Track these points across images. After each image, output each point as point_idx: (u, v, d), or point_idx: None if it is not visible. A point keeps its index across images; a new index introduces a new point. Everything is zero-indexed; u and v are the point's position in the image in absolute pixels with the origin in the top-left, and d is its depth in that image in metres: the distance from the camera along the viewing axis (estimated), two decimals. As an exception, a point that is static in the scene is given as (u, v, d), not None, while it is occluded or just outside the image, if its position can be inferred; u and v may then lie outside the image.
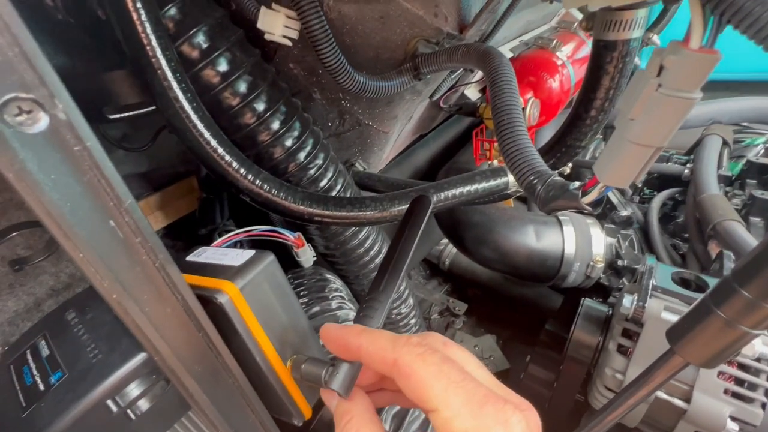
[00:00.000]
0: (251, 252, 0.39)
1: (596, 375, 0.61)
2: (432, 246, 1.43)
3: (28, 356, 0.38)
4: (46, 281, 0.63)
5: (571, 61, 0.89)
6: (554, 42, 0.86)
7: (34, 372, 0.36)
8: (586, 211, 0.30)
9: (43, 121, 0.18)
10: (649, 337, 0.54)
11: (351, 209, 0.46)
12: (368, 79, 0.51)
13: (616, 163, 0.26)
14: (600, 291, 0.91)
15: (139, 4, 0.35)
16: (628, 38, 0.36)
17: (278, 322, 0.38)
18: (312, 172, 0.53)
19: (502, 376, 1.15)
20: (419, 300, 1.28)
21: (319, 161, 0.54)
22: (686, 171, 1.08)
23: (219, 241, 0.47)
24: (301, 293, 0.58)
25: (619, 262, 0.84)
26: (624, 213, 0.90)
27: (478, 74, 0.84)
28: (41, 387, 0.34)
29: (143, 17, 0.35)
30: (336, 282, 0.63)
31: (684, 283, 0.60)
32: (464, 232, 0.90)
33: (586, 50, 0.97)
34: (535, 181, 0.32)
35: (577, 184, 0.31)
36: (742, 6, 0.19)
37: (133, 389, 0.34)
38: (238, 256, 0.38)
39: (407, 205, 0.46)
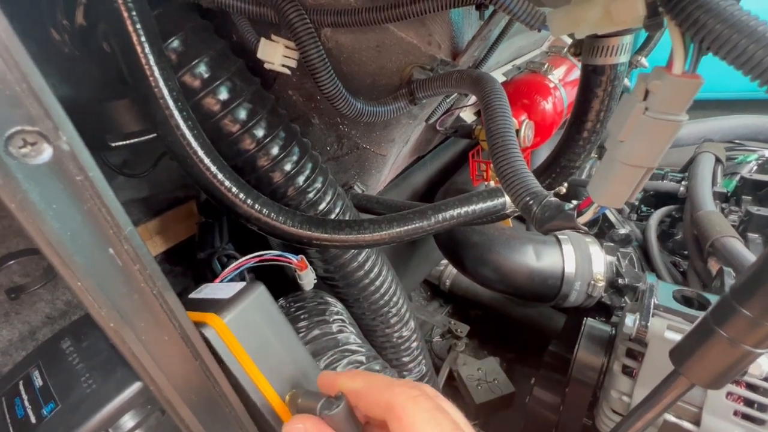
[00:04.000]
0: (242, 284, 0.38)
1: (602, 398, 0.60)
2: (432, 267, 1.42)
3: (21, 387, 0.37)
4: (41, 309, 0.63)
5: (563, 83, 0.91)
6: (546, 66, 0.88)
7: (26, 404, 0.36)
8: (582, 231, 0.30)
9: (46, 153, 0.19)
10: (653, 357, 0.53)
11: (350, 232, 0.46)
12: (365, 104, 0.52)
13: (609, 183, 0.27)
14: (602, 310, 0.90)
15: (143, 38, 0.36)
16: (616, 63, 0.38)
17: (272, 355, 0.36)
18: (311, 195, 0.54)
19: (507, 400, 1.12)
20: (420, 322, 1.26)
21: (318, 185, 0.55)
22: (681, 188, 1.09)
23: (226, 271, 0.46)
24: (302, 316, 0.58)
25: (620, 281, 0.83)
26: (622, 231, 0.90)
27: (473, 97, 0.87)
28: (33, 420, 0.33)
29: (147, 50, 0.36)
30: (336, 305, 0.62)
31: (686, 301, 0.60)
32: (464, 252, 0.89)
33: (577, 73, 1.00)
34: (531, 202, 0.32)
35: (572, 204, 0.31)
36: (719, 34, 0.20)
37: (128, 421, 0.33)
38: (229, 289, 0.38)
39: (406, 227, 0.47)
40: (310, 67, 0.46)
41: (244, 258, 0.48)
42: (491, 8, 0.49)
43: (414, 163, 1.05)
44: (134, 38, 0.36)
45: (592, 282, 0.82)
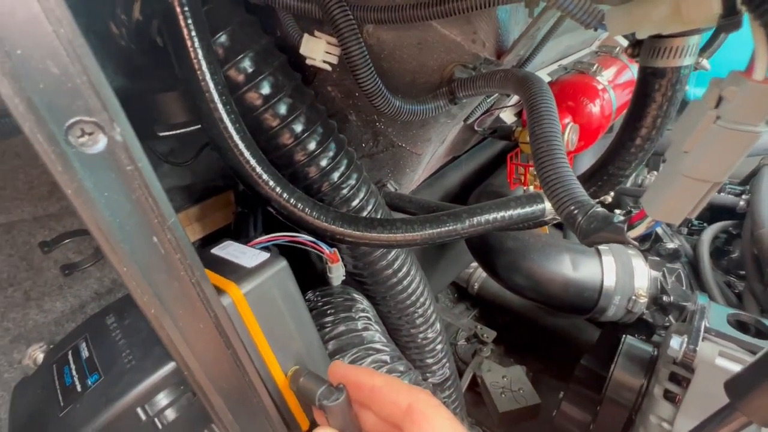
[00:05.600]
0: (266, 255, 0.38)
1: (639, 422, 0.56)
2: (461, 269, 1.39)
3: (70, 357, 0.40)
4: (91, 285, 0.67)
5: (612, 85, 0.86)
6: (595, 66, 0.84)
7: (74, 373, 0.38)
8: (632, 247, 0.28)
9: (101, 143, 0.20)
10: (700, 384, 0.49)
11: (382, 231, 0.46)
12: (404, 102, 0.51)
13: (668, 197, 0.25)
14: (642, 327, 0.85)
15: (193, 33, 0.37)
16: (679, 65, 0.35)
17: (283, 330, 0.37)
18: (345, 191, 0.54)
19: (532, 411, 1.08)
20: (446, 324, 1.24)
21: (352, 181, 0.55)
22: (741, 202, 1.00)
23: (257, 240, 0.47)
24: (328, 311, 0.58)
25: (665, 298, 0.78)
26: (671, 245, 0.84)
27: (514, 98, 0.83)
28: (78, 388, 0.36)
29: (196, 44, 0.38)
30: (363, 302, 0.62)
31: (741, 326, 0.55)
32: (496, 257, 0.87)
33: (629, 75, 0.94)
34: (575, 212, 0.31)
35: (621, 216, 0.29)
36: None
37: (162, 399, 0.35)
38: (253, 257, 0.38)
39: (439, 229, 0.46)
40: (351, 64, 0.46)
41: (277, 233, 0.48)
42: (542, 5, 0.46)
43: (448, 163, 1.03)
44: (185, 33, 0.37)
45: (634, 297, 0.78)
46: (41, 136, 0.18)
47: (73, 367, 0.39)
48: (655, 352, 0.63)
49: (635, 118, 0.40)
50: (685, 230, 1.04)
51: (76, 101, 0.19)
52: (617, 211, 0.30)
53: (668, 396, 0.53)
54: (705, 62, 0.90)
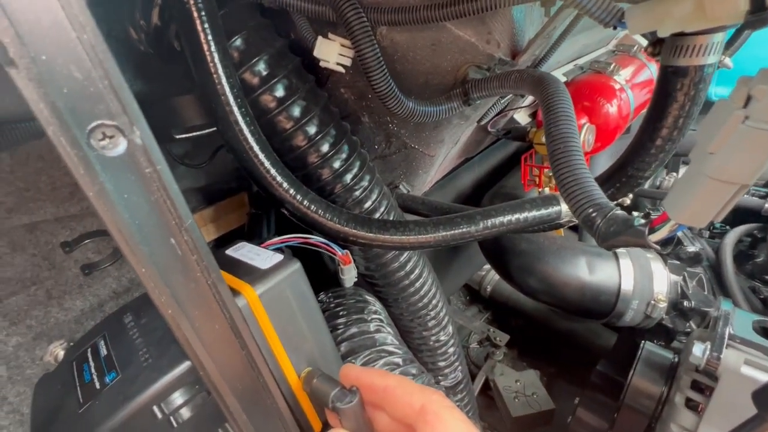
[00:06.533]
0: (279, 257, 0.39)
1: (660, 430, 0.55)
2: (474, 272, 1.38)
3: (89, 355, 0.41)
4: (109, 284, 0.69)
5: (630, 85, 0.84)
6: (612, 66, 0.82)
7: (93, 370, 0.39)
8: (654, 250, 0.27)
9: (122, 146, 0.20)
10: (725, 393, 0.47)
11: (395, 233, 0.46)
12: (417, 104, 0.51)
13: (692, 199, 0.24)
14: (661, 333, 0.83)
15: (210, 37, 0.38)
16: (702, 64, 0.33)
17: (297, 332, 0.37)
18: (357, 193, 0.54)
19: (546, 416, 1.06)
20: (457, 327, 1.23)
21: (365, 183, 0.55)
22: (767, 205, 0.96)
23: (270, 241, 0.47)
24: (340, 313, 0.58)
25: (686, 303, 0.75)
26: (691, 248, 0.81)
27: (529, 98, 0.82)
28: (97, 385, 0.36)
29: (212, 48, 0.38)
30: (375, 304, 0.62)
31: (767, 333, 0.53)
32: (510, 260, 0.86)
33: (648, 74, 0.92)
34: (594, 214, 0.30)
35: (642, 219, 0.28)
36: None
37: (177, 397, 0.36)
38: (267, 259, 0.39)
39: (452, 231, 0.45)
40: (365, 66, 0.46)
41: (290, 235, 0.48)
42: (558, 3, 0.46)
43: (461, 165, 1.03)
44: (202, 37, 0.38)
45: (653, 302, 0.75)
46: (64, 140, 0.18)
47: (92, 364, 0.40)
48: (676, 359, 0.61)
49: (656, 118, 0.39)
50: (707, 233, 1.01)
51: (98, 105, 0.19)
52: (635, 214, 0.29)
53: (690, 405, 0.51)
54: (727, 60, 0.88)
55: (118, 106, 0.19)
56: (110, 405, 0.34)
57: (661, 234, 0.26)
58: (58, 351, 0.44)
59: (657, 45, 0.35)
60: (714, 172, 0.22)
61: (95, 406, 0.35)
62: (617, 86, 0.81)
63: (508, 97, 0.73)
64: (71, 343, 0.45)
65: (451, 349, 0.74)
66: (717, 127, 0.22)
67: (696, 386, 0.51)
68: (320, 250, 0.52)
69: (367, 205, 0.55)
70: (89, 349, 0.41)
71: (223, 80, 0.39)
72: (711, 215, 0.24)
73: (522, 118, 0.84)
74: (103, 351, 0.40)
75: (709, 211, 0.24)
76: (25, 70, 0.16)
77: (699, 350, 0.47)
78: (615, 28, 0.32)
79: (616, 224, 0.29)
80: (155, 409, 0.34)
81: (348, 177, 0.53)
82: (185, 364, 0.34)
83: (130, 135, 0.20)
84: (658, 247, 0.27)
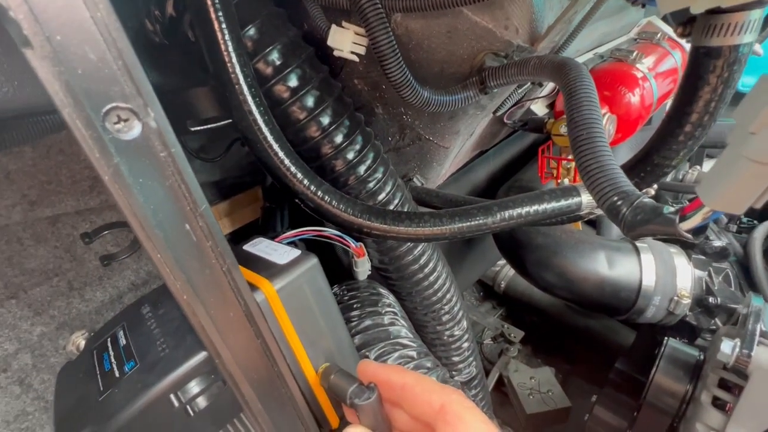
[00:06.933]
0: (297, 252, 0.39)
1: (684, 430, 0.53)
2: (488, 266, 1.36)
3: (109, 344, 0.42)
4: (128, 276, 0.70)
5: (653, 74, 0.81)
6: (634, 54, 0.79)
7: (112, 359, 0.39)
8: (685, 239, 0.26)
9: (136, 129, 0.20)
10: (756, 392, 0.45)
11: (409, 224, 0.45)
12: (432, 93, 0.50)
13: (729, 184, 0.22)
14: (684, 330, 0.80)
15: (224, 26, 0.38)
16: (738, 43, 0.31)
17: (313, 327, 0.37)
18: (371, 185, 0.54)
19: (561, 414, 1.05)
20: (471, 323, 1.22)
21: (379, 175, 0.54)
22: (798, 198, 0.92)
23: (284, 235, 0.47)
24: (354, 305, 0.58)
25: (711, 300, 0.72)
26: (717, 243, 0.78)
27: (546, 89, 0.80)
28: (117, 374, 0.37)
29: (226, 37, 0.38)
30: (389, 297, 0.62)
31: (801, 331, 0.50)
32: (526, 254, 0.84)
33: (672, 62, 0.89)
34: (619, 203, 0.28)
35: (672, 207, 0.27)
36: None
37: (194, 386, 0.36)
38: (284, 254, 0.39)
39: (468, 223, 0.44)
40: (379, 54, 0.45)
41: (304, 228, 0.48)
42: (580, -14, 0.44)
43: (476, 157, 1.01)
44: (216, 25, 0.37)
45: (676, 298, 0.73)
46: (80, 123, 0.18)
47: (111, 353, 0.40)
48: (702, 357, 0.58)
49: (685, 103, 0.37)
50: (734, 228, 0.97)
51: (113, 87, 0.19)
52: (672, 207, 0.28)
53: (717, 403, 0.49)
54: (758, 47, 0.83)
55: (133, 88, 0.19)
56: (129, 393, 0.35)
57: (694, 222, 0.25)
58: (79, 340, 0.45)
59: (688, 25, 0.34)
60: (755, 154, 0.21)
61: (115, 394, 0.35)
62: (640, 75, 0.78)
63: (525, 87, 0.71)
64: (92, 333, 0.46)
65: (466, 344, 0.73)
66: (760, 105, 0.20)
67: (724, 385, 0.49)
68: (334, 242, 0.52)
69: (381, 197, 0.55)
70: (109, 339, 0.42)
71: (238, 69, 0.39)
72: (750, 200, 0.22)
73: (539, 109, 0.82)
74: (123, 341, 0.41)
75: (748, 197, 0.22)
76: (40, 49, 0.16)
77: (728, 347, 0.45)
78: (643, 6, 0.30)
79: (643, 212, 0.27)
80: (172, 397, 0.35)
81: (361, 168, 0.53)
82: (201, 354, 0.35)
83: (145, 118, 0.20)
84: (689, 236, 0.25)
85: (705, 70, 0.34)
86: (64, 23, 0.17)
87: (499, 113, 0.72)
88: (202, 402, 0.36)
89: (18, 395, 0.63)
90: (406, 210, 0.58)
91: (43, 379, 0.65)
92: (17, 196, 0.55)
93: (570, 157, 0.79)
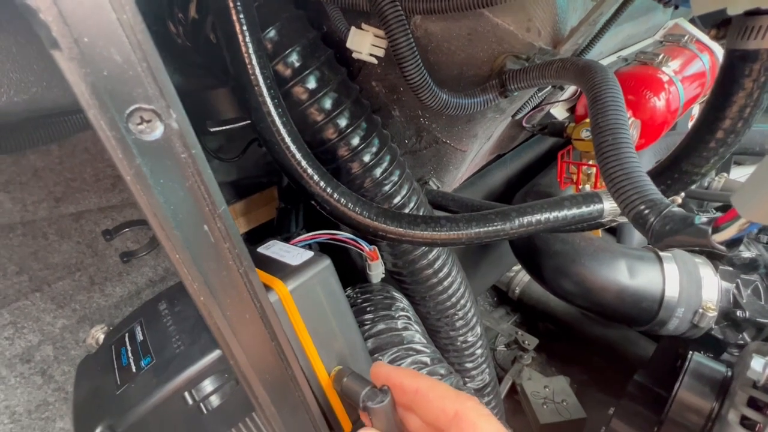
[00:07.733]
0: (310, 254, 0.39)
1: (707, 449, 0.50)
2: (503, 272, 1.34)
3: (126, 339, 0.42)
4: (146, 273, 0.72)
5: (680, 77, 0.78)
6: (660, 57, 0.76)
7: (130, 354, 0.40)
8: (719, 252, 0.24)
9: (158, 130, 0.20)
10: (787, 413, 0.43)
11: (425, 228, 0.44)
12: (451, 96, 0.50)
13: (769, 195, 0.21)
14: (708, 344, 0.77)
15: (245, 28, 0.38)
16: (776, 47, 0.30)
17: (326, 329, 0.37)
18: (387, 188, 0.53)
19: (576, 425, 1.02)
20: (484, 329, 1.20)
21: (395, 178, 0.54)
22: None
23: (298, 238, 0.48)
24: (368, 309, 0.58)
25: (739, 313, 0.69)
26: (746, 254, 0.75)
27: (567, 92, 0.78)
28: (133, 369, 0.38)
29: (247, 39, 0.38)
30: (403, 301, 0.61)
31: (838, 350, 0.47)
32: (543, 260, 0.82)
33: (699, 66, 0.86)
34: (646, 212, 0.27)
35: (704, 217, 0.25)
36: None
37: (207, 385, 0.36)
38: (297, 256, 0.39)
39: (485, 228, 0.43)
40: (398, 56, 0.45)
41: (318, 231, 0.48)
42: (607, -13, 0.43)
43: (493, 161, 1.00)
44: (237, 27, 0.38)
45: (701, 310, 0.70)
46: (104, 123, 0.19)
47: (129, 348, 0.41)
48: (729, 373, 0.56)
49: (717, 108, 0.35)
50: (765, 238, 0.92)
51: (136, 89, 0.19)
52: (704, 217, 0.26)
53: (746, 423, 0.47)
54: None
55: (156, 90, 0.19)
56: (145, 388, 0.35)
57: (728, 233, 0.23)
58: (98, 334, 0.46)
59: (722, 27, 0.32)
60: (798, 162, 0.20)
61: (131, 389, 0.36)
62: (665, 78, 0.76)
63: (546, 90, 0.69)
64: (110, 328, 0.47)
65: (479, 351, 0.72)
66: (804, 111, 0.19)
67: (753, 404, 0.47)
68: (348, 246, 0.51)
69: (397, 200, 0.54)
70: (127, 334, 0.43)
71: (257, 71, 0.39)
72: (790, 213, 0.21)
73: (559, 112, 0.80)
74: (140, 336, 0.42)
75: (789, 208, 0.21)
76: (68, 51, 0.16)
77: (759, 365, 0.43)
78: (676, 7, 0.29)
79: (672, 222, 0.26)
80: (186, 395, 0.35)
81: (378, 171, 0.52)
82: (215, 353, 0.35)
83: (167, 119, 0.20)
84: (723, 248, 0.24)
85: (740, 74, 0.33)
86: (91, 25, 0.17)
87: (518, 117, 0.71)
88: (215, 400, 0.36)
89: (40, 386, 0.65)
90: (421, 213, 0.57)
91: (63, 371, 0.67)
92: (44, 192, 0.57)
93: (591, 162, 0.77)
